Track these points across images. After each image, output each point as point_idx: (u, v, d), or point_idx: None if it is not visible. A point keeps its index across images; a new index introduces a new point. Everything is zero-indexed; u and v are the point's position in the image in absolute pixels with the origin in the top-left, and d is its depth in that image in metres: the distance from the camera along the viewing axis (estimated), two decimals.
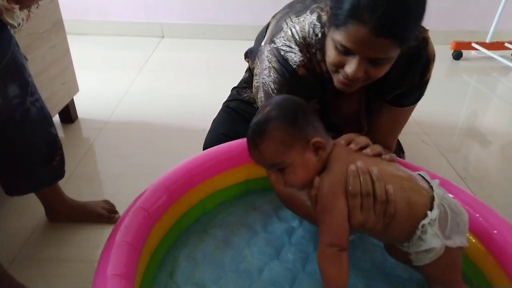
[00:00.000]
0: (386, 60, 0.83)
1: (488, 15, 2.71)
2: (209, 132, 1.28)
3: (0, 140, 0.95)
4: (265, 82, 1.01)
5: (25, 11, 1.05)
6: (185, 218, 0.98)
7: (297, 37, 0.96)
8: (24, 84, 0.95)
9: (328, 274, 0.74)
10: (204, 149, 1.18)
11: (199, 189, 0.99)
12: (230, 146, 1.05)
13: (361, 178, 0.74)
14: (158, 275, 0.87)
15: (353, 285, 0.87)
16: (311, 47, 0.96)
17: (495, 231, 0.86)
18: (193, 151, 1.08)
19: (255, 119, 0.80)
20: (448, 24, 2.85)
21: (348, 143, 0.83)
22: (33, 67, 1.19)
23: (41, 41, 1.39)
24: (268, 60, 0.99)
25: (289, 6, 1.06)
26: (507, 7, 2.57)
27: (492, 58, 2.62)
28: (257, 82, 1.07)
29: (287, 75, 0.96)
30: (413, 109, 1.06)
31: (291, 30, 0.97)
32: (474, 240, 0.89)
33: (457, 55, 2.68)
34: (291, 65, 0.96)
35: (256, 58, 1.08)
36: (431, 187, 0.78)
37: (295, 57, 0.96)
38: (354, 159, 0.77)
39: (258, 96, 1.07)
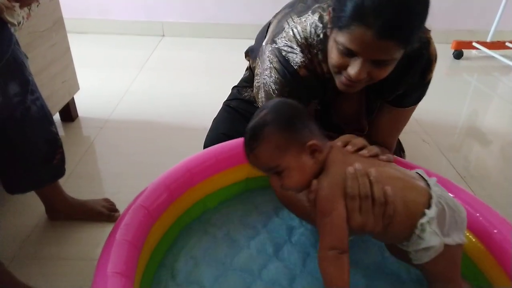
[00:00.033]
0: (390, 62, 0.82)
1: (489, 14, 2.71)
2: (209, 131, 1.28)
3: (1, 139, 0.95)
4: (266, 83, 1.01)
5: (26, 9, 1.05)
6: (185, 216, 0.99)
7: (298, 37, 0.95)
8: (25, 83, 0.95)
9: (330, 277, 0.74)
10: (204, 148, 1.18)
11: (199, 188, 0.99)
12: (230, 145, 1.05)
13: (359, 181, 0.74)
14: (158, 273, 0.87)
15: (353, 284, 0.87)
16: (312, 47, 0.95)
17: (495, 231, 0.86)
18: (193, 150, 1.08)
19: (250, 124, 0.80)
20: (449, 23, 2.85)
21: (345, 145, 0.84)
22: (33, 66, 1.19)
23: (42, 39, 1.39)
24: (269, 60, 0.99)
25: (291, 6, 1.05)
26: (508, 6, 2.56)
27: (493, 57, 2.61)
28: (258, 82, 1.06)
29: (288, 76, 0.96)
30: (414, 109, 1.06)
31: (292, 30, 0.96)
32: (474, 240, 0.89)
33: (458, 54, 2.67)
34: (292, 65, 0.95)
35: (257, 58, 1.08)
36: (428, 185, 0.78)
37: (296, 57, 0.95)
38: (351, 161, 0.78)
39: (259, 96, 1.07)
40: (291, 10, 1.02)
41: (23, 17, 0.99)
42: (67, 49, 1.60)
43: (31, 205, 1.20)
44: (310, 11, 0.97)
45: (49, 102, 1.12)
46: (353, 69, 0.82)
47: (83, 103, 1.78)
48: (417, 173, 0.82)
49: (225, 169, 1.02)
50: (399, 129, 1.10)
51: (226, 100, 1.35)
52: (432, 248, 0.73)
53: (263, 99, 1.04)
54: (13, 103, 0.92)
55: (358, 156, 0.81)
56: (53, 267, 1.04)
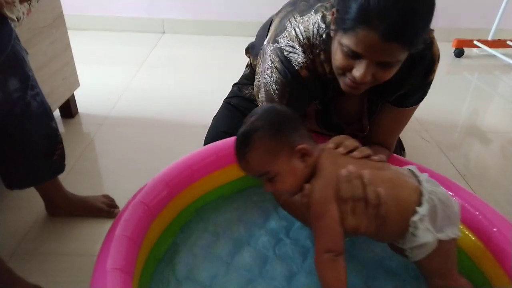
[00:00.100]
0: (394, 64, 0.82)
1: (490, 13, 2.70)
2: (209, 129, 1.28)
3: (1, 134, 0.95)
4: (267, 82, 1.00)
5: (26, 5, 1.04)
6: (185, 213, 0.98)
7: (301, 37, 0.94)
8: (25, 78, 0.95)
9: (327, 280, 0.75)
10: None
11: (199, 185, 0.99)
12: (230, 141, 1.04)
13: (351, 183, 0.75)
14: (158, 269, 0.88)
15: (353, 282, 0.87)
16: (315, 47, 0.94)
17: (494, 229, 0.86)
18: (193, 147, 1.08)
19: (240, 130, 0.81)
20: (450, 22, 2.84)
21: (337, 146, 0.85)
22: (33, 62, 1.19)
23: (42, 35, 1.39)
24: (270, 60, 0.98)
25: (293, 4, 1.04)
26: (509, 5, 2.56)
27: (494, 56, 2.61)
28: (258, 81, 1.06)
29: (289, 76, 0.95)
30: (415, 109, 1.05)
31: (295, 30, 0.95)
32: (473, 238, 0.89)
33: (459, 53, 2.67)
34: (293, 66, 0.95)
35: (259, 57, 1.07)
36: (419, 181, 0.79)
37: (298, 58, 0.95)
38: (342, 163, 0.79)
39: (259, 96, 1.06)
40: (293, 9, 1.01)
41: (23, 13, 0.99)
42: (68, 46, 1.60)
43: (31, 201, 1.20)
44: (313, 10, 0.96)
45: (49, 98, 1.12)
46: (358, 71, 0.82)
47: (83, 99, 1.78)
48: (408, 169, 0.83)
49: (225, 166, 1.02)
50: (399, 129, 1.10)
51: (227, 98, 1.35)
52: (426, 244, 0.74)
53: (263, 98, 1.04)
54: (13, 98, 0.92)
55: (350, 158, 0.82)
56: (52, 263, 1.04)
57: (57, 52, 1.50)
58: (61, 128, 1.63)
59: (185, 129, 1.68)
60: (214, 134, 1.22)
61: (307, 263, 0.90)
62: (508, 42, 2.66)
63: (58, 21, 1.49)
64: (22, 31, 1.21)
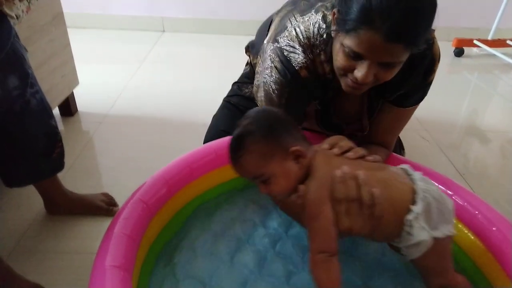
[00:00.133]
0: (396, 64, 0.82)
1: (490, 12, 2.70)
2: (209, 128, 1.28)
3: (0, 132, 0.95)
4: (266, 82, 1.00)
5: (25, 2, 1.04)
6: (184, 211, 0.98)
7: (301, 37, 0.94)
8: (24, 76, 0.95)
9: (320, 280, 0.76)
10: None
11: (198, 183, 0.99)
12: (229, 140, 1.04)
13: (346, 184, 0.75)
14: (157, 267, 0.87)
15: (353, 280, 0.87)
16: (315, 47, 0.94)
17: (494, 228, 0.86)
18: (193, 145, 1.08)
19: (234, 134, 0.82)
20: (450, 21, 2.84)
21: (332, 147, 0.85)
22: (33, 60, 1.18)
23: (41, 33, 1.38)
24: (270, 59, 0.98)
25: (293, 3, 1.04)
26: (509, 4, 2.56)
27: (493, 55, 2.61)
28: (258, 81, 1.06)
29: (289, 76, 0.95)
30: (414, 109, 1.05)
31: (295, 29, 0.95)
32: (472, 237, 0.89)
33: (459, 52, 2.67)
34: (293, 66, 0.94)
35: (258, 56, 1.07)
36: (413, 180, 0.80)
37: (298, 58, 0.94)
38: (336, 164, 0.79)
39: (258, 95, 1.06)
40: (294, 8, 1.01)
41: (22, 11, 0.99)
42: (67, 44, 1.60)
43: (30, 199, 1.20)
44: (314, 10, 0.95)
45: (49, 96, 1.12)
46: (360, 72, 0.81)
47: (83, 98, 1.78)
48: (402, 168, 0.84)
49: (225, 164, 1.02)
50: (399, 129, 1.10)
51: (227, 97, 1.34)
52: (422, 243, 0.75)
53: (262, 98, 1.03)
54: (13, 96, 0.92)
55: (344, 159, 0.82)
56: (51, 261, 1.04)
57: (56, 50, 1.50)
58: (60, 126, 1.63)
59: (184, 127, 1.68)
60: (213, 133, 1.22)
61: (306, 260, 0.90)
62: (508, 42, 2.66)
63: (57, 19, 1.49)
64: (21, 29, 1.21)
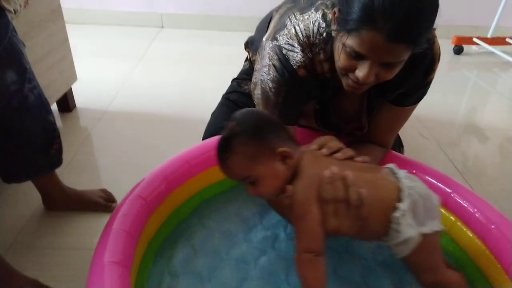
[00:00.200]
0: (398, 64, 0.82)
1: (490, 10, 2.70)
2: (208, 125, 1.27)
3: None
4: (264, 80, 0.99)
5: None
6: (183, 207, 0.98)
7: (300, 36, 0.93)
8: (22, 71, 0.94)
9: (307, 279, 0.76)
10: None
11: (197, 180, 0.99)
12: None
13: (333, 185, 0.76)
14: (156, 263, 0.87)
15: (350, 278, 0.87)
16: (314, 46, 0.93)
17: (492, 226, 0.86)
18: (191, 141, 1.07)
19: (221, 135, 0.82)
20: (449, 19, 2.83)
21: (320, 148, 0.85)
22: (31, 55, 1.18)
23: (39, 28, 1.37)
24: (269, 57, 0.97)
25: (293, 0, 1.04)
26: (509, 2, 2.55)
27: (493, 53, 2.61)
28: (255, 78, 1.05)
29: (287, 75, 0.95)
30: (414, 108, 1.05)
31: (295, 28, 0.94)
32: (471, 235, 0.89)
33: (458, 50, 2.67)
34: (291, 65, 0.94)
35: (257, 53, 1.07)
36: (398, 178, 0.80)
37: (296, 56, 0.94)
38: (324, 164, 0.79)
39: (255, 93, 1.05)
40: (293, 6, 1.00)
41: (20, 5, 0.98)
42: (65, 39, 1.59)
43: (28, 195, 1.20)
44: (313, 8, 0.95)
45: (47, 92, 1.11)
46: (361, 72, 0.81)
47: (81, 93, 1.77)
48: (387, 167, 0.84)
49: None
50: (397, 128, 1.10)
51: (226, 93, 1.34)
52: (410, 239, 0.75)
53: (259, 96, 1.03)
54: (11, 91, 0.92)
55: (333, 159, 0.83)
56: (49, 257, 1.03)
57: (54, 45, 1.49)
58: (58, 122, 1.63)
59: (183, 123, 1.67)
60: (212, 130, 1.22)
61: None
62: (508, 40, 2.66)
63: (55, 14, 1.48)
64: (19, 24, 1.20)
